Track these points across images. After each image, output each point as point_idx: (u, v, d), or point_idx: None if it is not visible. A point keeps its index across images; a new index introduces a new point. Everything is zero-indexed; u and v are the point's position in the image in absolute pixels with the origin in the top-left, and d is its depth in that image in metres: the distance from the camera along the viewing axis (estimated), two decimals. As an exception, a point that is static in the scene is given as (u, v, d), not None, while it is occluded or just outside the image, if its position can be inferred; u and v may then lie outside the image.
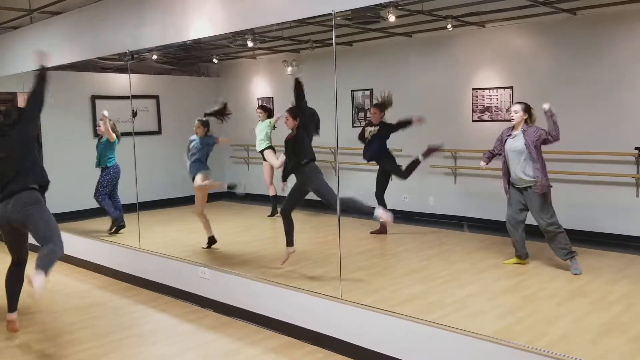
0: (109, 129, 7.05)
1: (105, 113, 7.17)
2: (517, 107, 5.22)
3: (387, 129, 6.87)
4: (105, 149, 7.20)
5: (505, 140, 5.25)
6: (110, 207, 7.12)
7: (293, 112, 5.21)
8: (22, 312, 5.07)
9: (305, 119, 5.17)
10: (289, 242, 5.30)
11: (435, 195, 7.71)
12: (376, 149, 6.88)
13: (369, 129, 6.93)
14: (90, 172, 7.41)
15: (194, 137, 6.35)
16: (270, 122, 7.94)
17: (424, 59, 7.69)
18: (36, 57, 4.68)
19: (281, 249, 5.43)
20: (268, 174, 8.03)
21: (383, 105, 6.94)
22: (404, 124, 6.81)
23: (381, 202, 6.93)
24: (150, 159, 6.97)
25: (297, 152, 5.15)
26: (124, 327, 4.70)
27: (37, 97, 4.64)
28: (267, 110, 8.09)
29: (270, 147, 7.94)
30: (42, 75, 4.63)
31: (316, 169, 5.18)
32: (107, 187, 7.18)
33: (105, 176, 7.18)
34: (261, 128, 7.99)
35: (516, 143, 5.15)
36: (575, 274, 4.92)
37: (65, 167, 8.36)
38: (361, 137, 6.96)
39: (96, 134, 7.36)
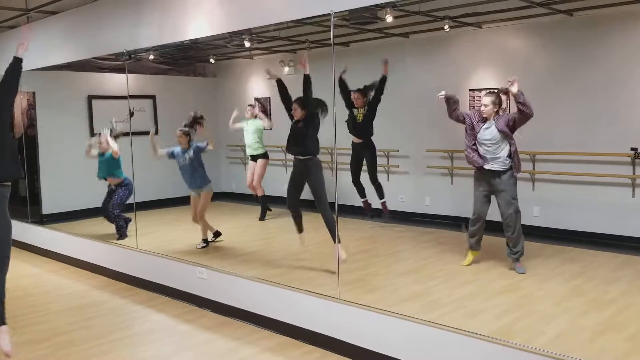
0: (111, 144, 6.94)
1: (106, 132, 7.07)
2: (486, 101, 5.14)
3: (373, 105, 7.07)
4: (111, 164, 6.97)
5: (478, 131, 5.22)
6: (124, 224, 6.92)
7: (300, 102, 5.23)
8: (20, 313, 5.07)
9: (312, 112, 5.19)
10: (300, 229, 5.46)
11: (431, 195, 7.73)
12: (367, 127, 7.11)
13: (356, 110, 7.10)
14: (87, 172, 7.39)
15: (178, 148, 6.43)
16: (262, 125, 7.83)
17: (421, 59, 7.70)
18: (20, 48, 4.42)
19: (278, 249, 5.45)
20: (252, 176, 7.93)
21: (366, 89, 7.10)
22: (381, 81, 7.00)
23: (359, 187, 7.18)
24: (147, 159, 6.95)
25: (301, 143, 5.21)
26: (121, 327, 4.69)
27: (9, 85, 4.32)
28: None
29: (266, 155, 7.86)
30: (18, 64, 4.38)
31: (318, 164, 5.27)
32: (124, 203, 6.98)
33: (125, 191, 6.95)
34: (252, 129, 7.88)
35: (491, 127, 5.15)
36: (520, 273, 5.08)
37: (62, 167, 8.35)
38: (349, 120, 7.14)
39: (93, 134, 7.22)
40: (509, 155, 5.12)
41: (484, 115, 5.18)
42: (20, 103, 9.81)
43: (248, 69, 10.01)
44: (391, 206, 7.62)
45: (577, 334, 3.72)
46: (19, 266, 6.82)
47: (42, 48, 7.28)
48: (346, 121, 7.16)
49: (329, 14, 4.15)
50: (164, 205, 7.03)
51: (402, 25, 6.89)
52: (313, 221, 7.14)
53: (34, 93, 8.60)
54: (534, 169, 6.75)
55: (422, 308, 4.19)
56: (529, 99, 4.90)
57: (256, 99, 9.89)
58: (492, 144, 5.13)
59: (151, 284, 5.66)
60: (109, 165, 6.99)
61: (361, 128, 7.11)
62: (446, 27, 6.59)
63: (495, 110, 5.14)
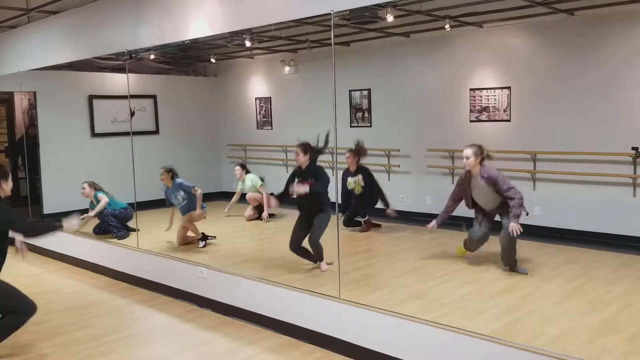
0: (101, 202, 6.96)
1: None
2: (468, 153, 5.02)
3: (370, 179, 6.92)
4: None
5: (468, 184, 5.17)
6: (119, 227, 7.00)
7: (304, 147, 5.16)
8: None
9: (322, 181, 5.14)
10: (313, 260, 5.32)
11: (432, 195, 7.72)
12: (370, 197, 6.94)
13: (351, 179, 6.92)
14: (87, 171, 7.40)
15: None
16: (256, 179, 7.87)
17: (422, 59, 7.70)
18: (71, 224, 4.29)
19: (278, 249, 5.46)
20: (252, 209, 7.94)
21: (358, 152, 6.96)
22: (381, 199, 6.94)
23: (353, 222, 7.03)
24: (148, 158, 6.97)
25: (312, 204, 5.13)
26: (122, 327, 4.70)
27: (30, 232, 4.21)
28: (244, 167, 8.10)
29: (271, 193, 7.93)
30: (53, 230, 4.26)
31: (328, 214, 5.18)
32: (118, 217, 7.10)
33: (121, 214, 7.04)
34: (249, 187, 7.91)
35: (481, 185, 5.08)
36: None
37: (62, 166, 8.36)
38: (346, 191, 6.95)
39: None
40: (505, 202, 5.03)
41: (467, 168, 5.08)
42: (21, 103, 9.83)
43: (249, 69, 10.01)
44: (392, 206, 7.60)
45: (578, 334, 3.71)
46: (20, 266, 6.82)
47: (42, 48, 7.29)
48: (340, 201, 6.79)
49: (329, 14, 4.15)
50: (164, 204, 7.06)
51: (403, 24, 6.89)
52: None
53: (34, 93, 8.61)
54: (534, 168, 6.75)
55: (422, 308, 4.19)
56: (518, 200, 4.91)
57: (256, 99, 9.90)
58: (483, 197, 5.12)
59: (152, 284, 5.67)
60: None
61: (363, 200, 6.90)
62: (447, 26, 6.59)
63: (477, 161, 5.01)
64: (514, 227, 4.82)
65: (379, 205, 7.04)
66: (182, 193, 6.40)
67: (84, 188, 7.07)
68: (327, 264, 5.22)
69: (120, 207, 7.02)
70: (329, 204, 5.23)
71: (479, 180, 5.07)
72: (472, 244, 5.39)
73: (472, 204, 5.25)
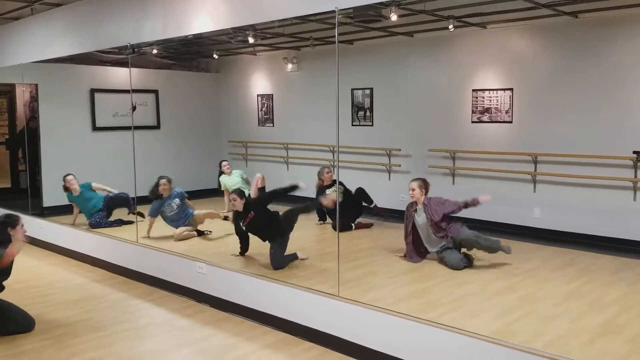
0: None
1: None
2: (413, 185, 5.40)
3: (346, 189, 6.96)
4: (88, 197, 7.30)
5: (413, 216, 5.46)
6: (112, 223, 7.28)
7: (239, 193, 5.49)
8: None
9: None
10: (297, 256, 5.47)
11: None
12: (356, 205, 7.02)
13: (331, 192, 6.88)
14: (87, 164, 7.41)
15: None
16: (242, 177, 7.96)
17: (425, 59, 7.69)
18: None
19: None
20: None
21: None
22: (364, 200, 7.10)
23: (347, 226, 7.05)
24: (149, 153, 6.97)
25: (267, 234, 5.45)
26: (119, 321, 4.69)
27: None
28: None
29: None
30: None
31: (285, 241, 5.40)
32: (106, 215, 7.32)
33: (100, 217, 7.27)
34: (234, 181, 7.94)
35: (420, 217, 5.40)
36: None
37: (63, 159, 8.34)
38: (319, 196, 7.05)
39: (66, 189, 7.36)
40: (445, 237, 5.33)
41: (413, 200, 5.43)
42: (22, 95, 9.82)
43: (251, 65, 10.00)
44: (392, 205, 7.61)
45: (577, 335, 3.71)
46: (19, 258, 6.80)
47: (45, 40, 7.29)
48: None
49: (333, 11, 4.14)
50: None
51: (407, 24, 6.88)
52: (310, 219, 7.18)
53: (36, 85, 8.60)
54: (535, 170, 6.75)
55: (421, 307, 4.19)
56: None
57: (258, 96, 9.89)
58: (423, 228, 5.40)
59: (150, 278, 5.66)
60: (87, 202, 7.29)
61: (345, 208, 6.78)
62: (450, 26, 6.59)
63: (422, 193, 5.39)
64: (486, 198, 5.22)
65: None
66: (177, 201, 6.49)
67: (69, 181, 7.30)
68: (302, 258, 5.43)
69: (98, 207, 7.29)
70: (284, 226, 5.43)
71: (420, 209, 5.42)
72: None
73: (413, 236, 5.49)
